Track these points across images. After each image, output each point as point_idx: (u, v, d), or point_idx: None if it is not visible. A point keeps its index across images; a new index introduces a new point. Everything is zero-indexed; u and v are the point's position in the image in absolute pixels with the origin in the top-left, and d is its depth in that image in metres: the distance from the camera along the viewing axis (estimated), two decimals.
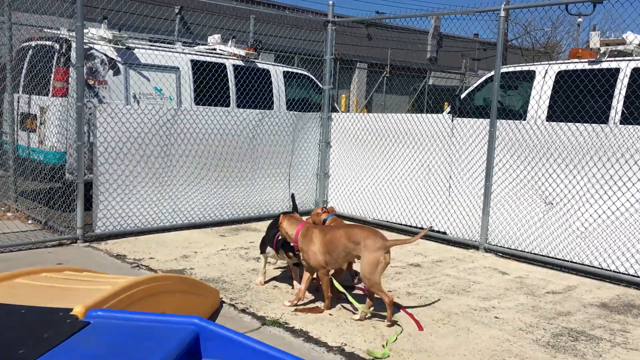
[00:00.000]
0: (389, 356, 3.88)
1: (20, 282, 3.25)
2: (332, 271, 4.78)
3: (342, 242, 4.46)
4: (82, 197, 6.58)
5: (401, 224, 8.00)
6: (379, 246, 4.32)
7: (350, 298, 4.54)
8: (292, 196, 6.20)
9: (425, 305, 4.94)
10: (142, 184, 7.15)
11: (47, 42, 8.07)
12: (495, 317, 4.73)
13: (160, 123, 7.22)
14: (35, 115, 8.12)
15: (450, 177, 7.45)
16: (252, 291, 5.10)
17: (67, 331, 2.51)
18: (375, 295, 4.51)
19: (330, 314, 4.60)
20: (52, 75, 7.77)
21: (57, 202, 7.13)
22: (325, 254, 4.52)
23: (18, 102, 8.54)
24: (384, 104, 21.10)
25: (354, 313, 4.60)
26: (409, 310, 4.79)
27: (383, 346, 4.00)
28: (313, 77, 10.40)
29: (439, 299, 5.13)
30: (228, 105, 8.93)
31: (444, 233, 7.51)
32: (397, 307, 4.81)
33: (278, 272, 5.70)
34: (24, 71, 8.52)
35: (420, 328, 4.39)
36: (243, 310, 4.61)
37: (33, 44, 8.48)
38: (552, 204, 6.49)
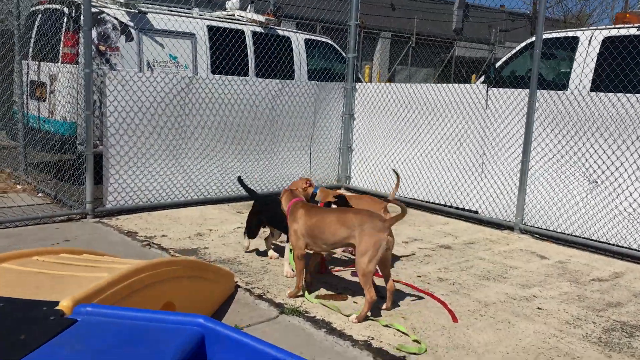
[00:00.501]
0: (425, 351, 3.45)
1: (6, 268, 2.86)
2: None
3: (332, 229, 3.93)
4: (92, 170, 6.21)
5: (429, 202, 7.53)
6: (379, 229, 3.78)
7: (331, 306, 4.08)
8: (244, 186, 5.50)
9: (460, 294, 4.49)
10: (155, 157, 6.77)
11: (57, 6, 7.65)
12: (538, 308, 4.27)
13: (174, 92, 6.80)
14: (45, 83, 7.75)
15: (483, 152, 6.93)
16: (269, 274, 4.71)
17: (49, 331, 2.12)
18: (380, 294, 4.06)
19: (355, 302, 4.18)
20: (62, 41, 7.37)
21: (68, 175, 6.79)
22: (306, 238, 4.06)
23: (28, 69, 8.18)
24: (408, 77, 20.40)
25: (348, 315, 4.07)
26: (442, 299, 4.35)
27: (416, 341, 3.57)
28: (336, 46, 9.86)
29: (475, 286, 4.68)
30: (246, 75, 8.46)
31: (476, 212, 7.02)
32: (426, 295, 4.38)
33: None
34: (33, 37, 8.14)
35: (455, 320, 3.95)
36: (260, 296, 4.21)
37: (42, 8, 8.07)
38: (597, 182, 5.95)
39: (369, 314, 3.89)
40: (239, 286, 4.40)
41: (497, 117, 6.77)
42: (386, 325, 3.80)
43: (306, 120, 8.16)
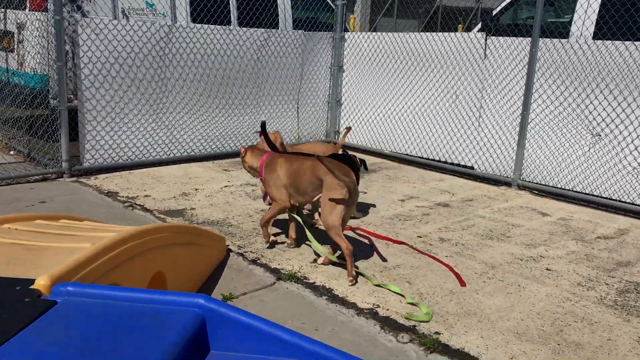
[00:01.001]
0: (431, 318, 3.23)
1: None
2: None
3: (307, 177, 3.81)
4: (67, 126, 5.79)
5: (422, 158, 7.26)
6: (339, 182, 3.59)
7: (314, 242, 3.81)
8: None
9: (464, 255, 4.27)
10: (135, 112, 6.35)
11: None
12: (547, 269, 4.07)
13: (152, 42, 6.33)
14: (12, 32, 7.20)
15: (480, 105, 6.63)
16: (262, 236, 4.42)
17: (23, 316, 1.81)
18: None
19: (356, 267, 3.93)
20: None
21: (41, 132, 6.35)
22: (289, 187, 3.92)
23: None
24: (394, 28, 19.84)
25: (317, 257, 4.03)
26: (447, 262, 4.12)
27: (412, 304, 3.34)
28: None
29: (478, 246, 4.46)
30: (229, 24, 7.97)
31: (472, 168, 6.78)
32: (429, 258, 4.15)
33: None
34: None
35: (463, 283, 3.73)
36: (254, 261, 3.94)
37: None
38: (600, 135, 5.72)
39: (361, 272, 3.65)
40: (230, 250, 4.11)
41: (496, 68, 6.45)
42: (378, 285, 3.61)
43: (293, 73, 7.76)
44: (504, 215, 5.32)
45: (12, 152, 6.75)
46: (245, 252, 4.10)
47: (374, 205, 5.43)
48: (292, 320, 3.15)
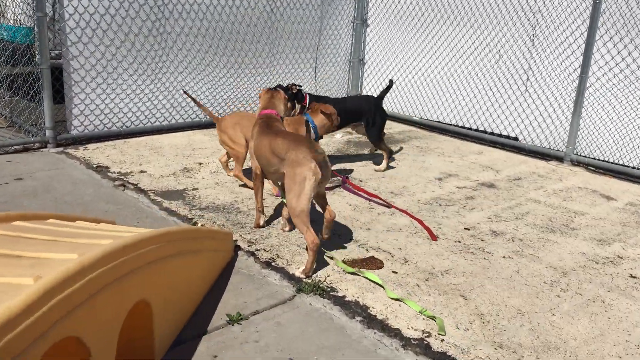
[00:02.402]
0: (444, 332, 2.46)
1: None
2: None
3: (265, 155, 3.29)
4: (50, 89, 4.99)
5: (457, 126, 6.40)
6: (302, 158, 3.03)
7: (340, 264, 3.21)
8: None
9: (525, 255, 3.48)
10: (130, 72, 5.51)
11: None
12: (632, 277, 3.27)
13: None
14: None
15: (529, 66, 5.73)
16: (277, 229, 3.65)
17: None
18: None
19: (394, 272, 3.16)
20: None
21: (22, 92, 5.55)
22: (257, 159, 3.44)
23: None
24: None
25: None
26: (504, 264, 3.34)
27: (431, 317, 2.58)
28: None
29: (539, 242, 3.67)
30: None
31: (516, 139, 5.93)
32: (481, 259, 3.36)
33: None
34: None
35: (434, 238, 3.02)
36: (268, 264, 3.17)
37: None
38: None
39: (331, 255, 2.89)
40: (239, 247, 3.35)
41: (550, 22, 5.51)
42: (353, 273, 3.08)
43: (311, 27, 6.84)
44: (562, 200, 4.50)
45: None
46: (257, 250, 3.33)
47: (406, 186, 4.63)
48: (318, 355, 2.40)
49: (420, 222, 3.80)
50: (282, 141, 3.16)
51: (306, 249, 3.18)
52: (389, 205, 4.11)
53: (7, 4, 6.26)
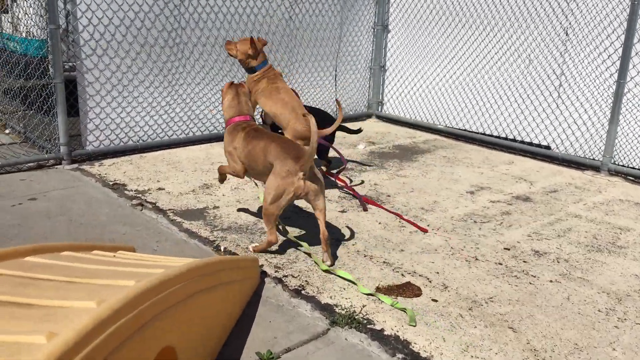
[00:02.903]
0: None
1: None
2: None
3: (260, 158, 3.35)
4: (64, 104, 4.82)
5: (484, 134, 6.15)
6: (287, 171, 3.13)
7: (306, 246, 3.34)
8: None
9: (573, 279, 3.22)
10: (146, 84, 5.33)
11: None
12: None
13: None
14: None
15: (561, 71, 5.46)
16: (304, 251, 3.43)
17: None
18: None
19: (434, 300, 2.92)
20: None
21: (36, 107, 5.39)
22: (246, 164, 3.50)
23: None
24: None
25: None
26: (553, 289, 3.08)
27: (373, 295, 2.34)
28: None
29: (587, 263, 3.41)
30: None
31: (548, 147, 5.66)
32: (526, 283, 3.11)
33: (338, 212, 4.01)
34: None
35: (424, 229, 2.77)
36: (297, 292, 2.95)
37: None
38: None
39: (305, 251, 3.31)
40: (265, 273, 3.13)
41: (584, 26, 5.25)
42: (327, 271, 3.12)
43: (331, 34, 6.63)
44: (604, 214, 4.24)
45: (7, 131, 5.83)
46: (285, 276, 3.10)
47: (437, 201, 4.39)
48: None
49: (407, 219, 3.89)
50: (275, 148, 3.24)
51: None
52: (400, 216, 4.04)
53: (20, 17, 6.12)
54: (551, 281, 3.16)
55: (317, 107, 5.54)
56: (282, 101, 4.12)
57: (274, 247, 3.38)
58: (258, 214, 3.97)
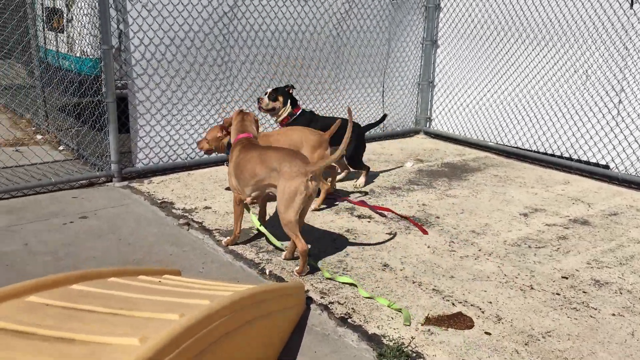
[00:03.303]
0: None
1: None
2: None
3: (250, 167, 3.39)
4: (115, 122, 4.90)
5: (538, 152, 5.93)
6: (296, 172, 3.19)
7: (270, 238, 3.60)
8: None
9: (638, 313, 3.02)
10: (194, 102, 5.38)
11: None
12: None
13: (215, 17, 5.30)
14: (62, 10, 6.39)
15: (621, 87, 5.22)
16: (352, 275, 3.34)
17: None
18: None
19: (487, 333, 2.78)
20: None
21: (88, 125, 5.51)
22: (236, 178, 3.54)
23: None
24: None
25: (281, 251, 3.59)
26: (611, 317, 2.90)
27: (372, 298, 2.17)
28: None
29: None
30: None
31: (606, 167, 5.41)
32: (585, 314, 2.93)
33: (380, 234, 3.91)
34: None
35: (424, 232, 2.57)
36: (343, 320, 2.86)
37: None
38: None
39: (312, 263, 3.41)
40: (310, 299, 3.06)
41: None
42: (330, 278, 3.24)
43: (378, 50, 6.56)
44: None
45: (61, 148, 5.98)
46: (331, 303, 3.03)
47: (488, 223, 4.23)
48: None
49: (412, 220, 4.11)
50: (274, 153, 3.33)
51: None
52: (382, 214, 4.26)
53: (74, 37, 6.29)
54: (614, 314, 2.98)
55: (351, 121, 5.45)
56: (278, 142, 4.19)
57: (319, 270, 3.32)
58: (304, 235, 3.91)
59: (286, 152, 3.35)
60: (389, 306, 2.95)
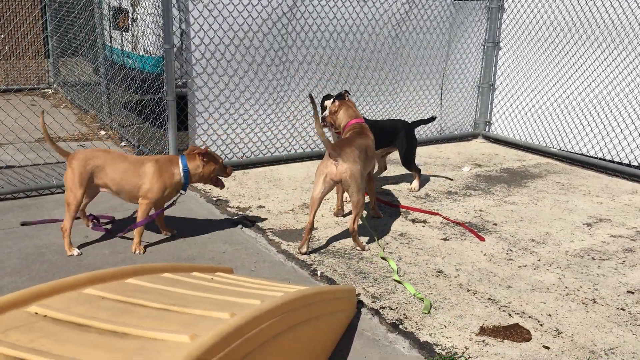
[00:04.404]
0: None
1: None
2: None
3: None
4: (175, 120, 5.00)
5: (604, 160, 5.68)
6: (325, 157, 3.64)
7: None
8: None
9: None
10: (251, 101, 5.43)
11: None
12: None
13: (273, 18, 5.33)
14: (127, 10, 6.57)
15: None
16: (405, 280, 3.28)
17: None
18: None
19: (545, 347, 2.67)
20: None
21: (149, 122, 5.64)
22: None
23: None
24: None
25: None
26: None
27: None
28: None
29: None
30: None
31: None
32: None
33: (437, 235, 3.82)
34: None
35: (482, 238, 2.34)
36: (395, 326, 2.81)
37: None
38: None
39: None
40: (362, 303, 3.02)
41: None
42: (384, 258, 3.53)
43: (438, 52, 6.43)
44: None
45: (123, 143, 6.15)
46: (382, 307, 2.97)
47: (549, 232, 4.07)
48: None
49: (465, 226, 4.06)
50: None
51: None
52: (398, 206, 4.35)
53: (138, 36, 6.46)
54: None
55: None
56: None
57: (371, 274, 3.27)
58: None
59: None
60: (414, 295, 3.06)
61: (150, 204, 3.54)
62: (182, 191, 3.66)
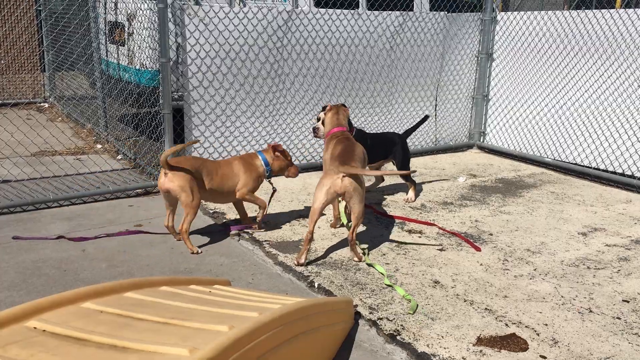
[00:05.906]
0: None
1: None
2: None
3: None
4: (171, 133, 5.02)
5: (597, 169, 5.73)
6: (331, 172, 3.66)
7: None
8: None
9: None
10: (247, 114, 5.46)
11: None
12: None
13: (269, 31, 5.38)
14: (123, 24, 6.62)
15: None
16: (400, 294, 3.29)
17: None
18: None
19: (542, 356, 2.68)
20: None
21: (145, 135, 5.66)
22: None
23: (105, 7, 7.08)
24: (541, 6, 17.39)
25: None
26: None
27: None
28: None
29: None
30: (357, 7, 6.88)
31: None
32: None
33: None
34: None
35: (477, 249, 2.37)
36: (392, 337, 2.82)
37: None
38: None
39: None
40: (359, 314, 3.03)
41: None
42: (370, 265, 3.58)
43: (432, 64, 6.49)
44: None
45: (119, 157, 6.16)
46: (380, 318, 2.99)
47: (544, 242, 4.10)
48: None
49: (461, 236, 4.09)
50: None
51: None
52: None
53: (134, 50, 6.50)
54: None
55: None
56: None
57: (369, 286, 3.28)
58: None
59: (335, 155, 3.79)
60: (403, 296, 3.15)
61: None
62: (272, 186, 4.25)
